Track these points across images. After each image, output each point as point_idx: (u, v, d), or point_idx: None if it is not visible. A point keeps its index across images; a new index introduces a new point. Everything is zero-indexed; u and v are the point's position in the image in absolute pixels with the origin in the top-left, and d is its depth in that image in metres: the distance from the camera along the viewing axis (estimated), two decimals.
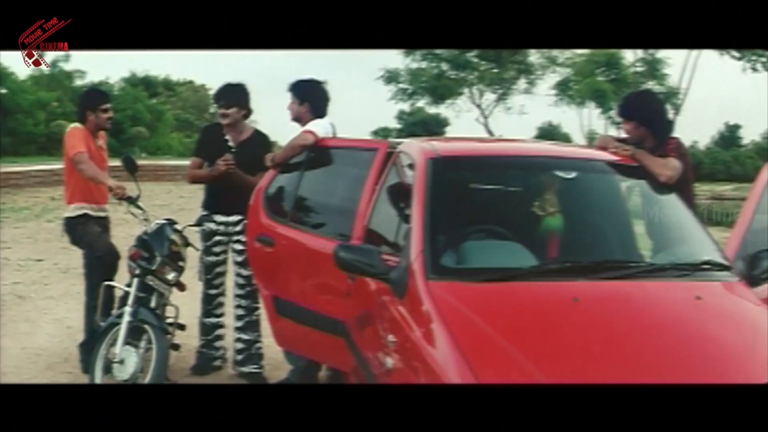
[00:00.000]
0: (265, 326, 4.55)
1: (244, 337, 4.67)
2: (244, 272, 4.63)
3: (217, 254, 4.71)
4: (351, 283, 3.38)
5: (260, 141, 4.76)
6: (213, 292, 4.77)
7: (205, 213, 4.73)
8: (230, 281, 4.81)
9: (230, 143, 4.67)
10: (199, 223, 4.72)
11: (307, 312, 3.88)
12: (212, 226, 4.68)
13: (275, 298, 4.16)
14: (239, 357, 4.69)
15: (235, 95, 4.73)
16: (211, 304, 4.77)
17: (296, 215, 4.13)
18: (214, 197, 4.72)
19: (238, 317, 4.69)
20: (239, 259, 4.66)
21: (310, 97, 4.43)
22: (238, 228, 4.64)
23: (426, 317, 2.55)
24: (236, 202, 4.51)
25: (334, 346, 3.67)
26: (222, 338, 4.83)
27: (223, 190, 4.62)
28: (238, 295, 4.69)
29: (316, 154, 4.16)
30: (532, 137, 25.12)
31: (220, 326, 4.82)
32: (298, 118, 4.42)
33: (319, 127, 4.23)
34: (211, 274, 4.73)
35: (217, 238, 4.68)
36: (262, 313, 4.60)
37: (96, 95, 5.12)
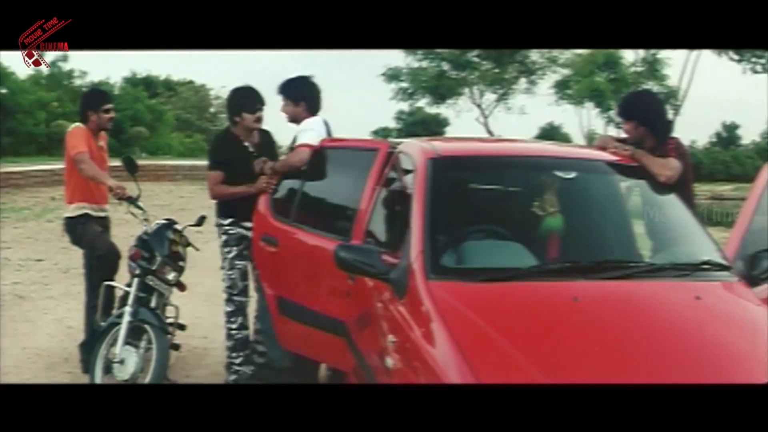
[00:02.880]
0: None
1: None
2: None
3: (247, 257, 4.45)
4: (351, 283, 3.39)
5: (270, 140, 4.64)
6: (244, 299, 4.49)
7: (232, 220, 4.42)
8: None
9: (251, 149, 4.46)
10: (199, 223, 4.65)
11: (309, 312, 3.89)
12: (242, 231, 4.42)
13: (279, 298, 4.17)
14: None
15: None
16: (244, 315, 4.49)
17: (299, 215, 4.13)
18: (239, 204, 4.39)
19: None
20: None
21: (304, 96, 4.40)
22: None
23: (426, 317, 2.55)
24: None
25: (334, 346, 3.67)
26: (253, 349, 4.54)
27: (247, 198, 4.36)
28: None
29: (319, 155, 4.17)
30: (533, 137, 25.14)
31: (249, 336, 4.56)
32: (296, 119, 4.38)
33: (312, 135, 4.18)
34: (246, 280, 4.47)
35: (246, 242, 4.42)
36: None
37: (98, 95, 5.12)
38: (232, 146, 4.48)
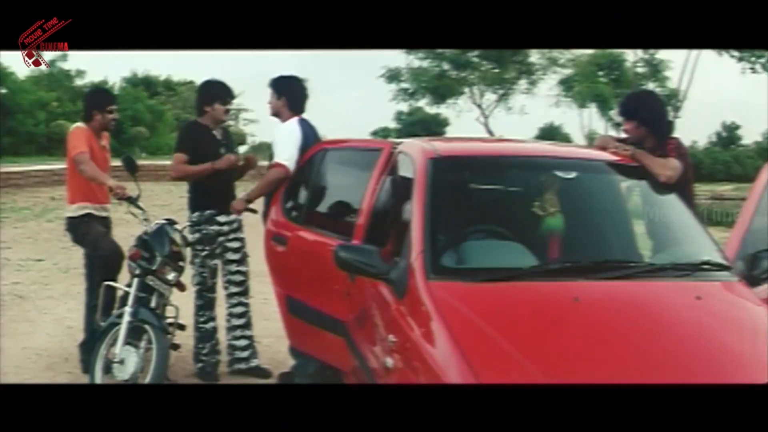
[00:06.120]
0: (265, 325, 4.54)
1: (248, 333, 4.70)
2: (243, 268, 4.68)
3: (218, 255, 4.65)
4: (351, 282, 3.39)
5: (230, 134, 4.93)
6: (214, 295, 4.70)
7: (209, 213, 4.56)
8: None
9: (219, 137, 4.68)
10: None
11: (313, 311, 3.90)
12: (215, 227, 4.58)
13: (288, 297, 4.19)
14: (244, 354, 4.68)
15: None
16: (212, 309, 4.69)
17: (306, 215, 4.16)
18: (213, 198, 4.57)
19: (241, 315, 4.68)
20: (236, 257, 4.66)
21: (287, 91, 4.50)
22: (235, 225, 4.65)
23: (426, 317, 2.55)
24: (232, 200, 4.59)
25: (335, 345, 3.67)
26: (218, 340, 4.79)
27: (220, 190, 4.57)
28: (237, 293, 4.68)
29: (326, 155, 4.20)
30: (533, 137, 25.14)
31: (216, 328, 4.75)
32: (277, 113, 4.51)
33: (287, 150, 4.29)
34: (216, 277, 4.68)
35: (220, 239, 4.62)
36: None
37: (104, 95, 5.15)
38: (202, 134, 4.66)
